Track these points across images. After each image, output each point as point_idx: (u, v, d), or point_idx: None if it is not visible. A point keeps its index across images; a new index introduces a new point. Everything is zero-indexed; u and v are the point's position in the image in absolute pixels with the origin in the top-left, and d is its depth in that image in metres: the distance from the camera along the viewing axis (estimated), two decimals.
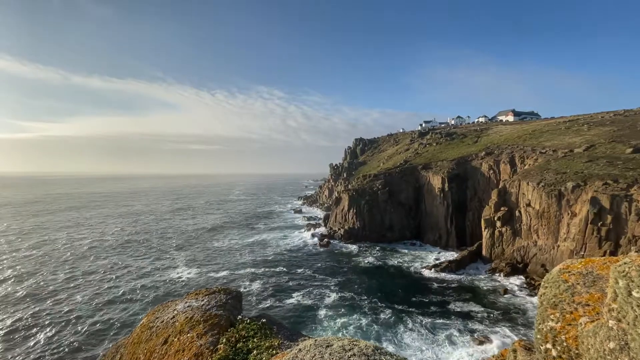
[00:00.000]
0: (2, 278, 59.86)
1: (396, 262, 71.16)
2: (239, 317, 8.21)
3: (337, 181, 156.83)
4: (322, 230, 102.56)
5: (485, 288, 54.24)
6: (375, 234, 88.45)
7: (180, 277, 61.28)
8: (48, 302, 50.05)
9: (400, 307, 47.66)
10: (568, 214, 54.41)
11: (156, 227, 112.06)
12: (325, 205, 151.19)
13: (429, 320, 43.50)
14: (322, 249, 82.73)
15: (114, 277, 61.44)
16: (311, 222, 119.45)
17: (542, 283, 5.35)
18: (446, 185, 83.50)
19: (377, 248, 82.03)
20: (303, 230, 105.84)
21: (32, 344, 38.68)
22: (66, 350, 37.46)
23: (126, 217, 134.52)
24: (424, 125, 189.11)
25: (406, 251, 79.14)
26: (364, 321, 43.69)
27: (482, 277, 59.75)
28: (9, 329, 41.90)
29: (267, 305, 48.97)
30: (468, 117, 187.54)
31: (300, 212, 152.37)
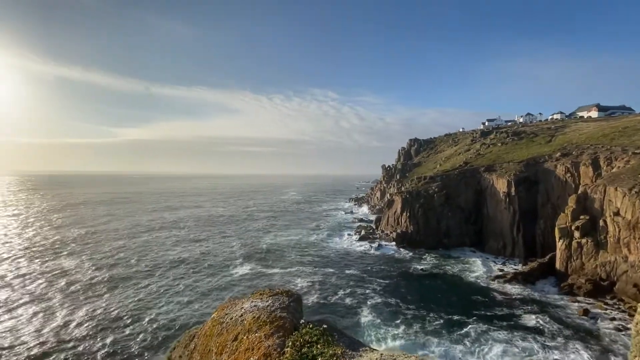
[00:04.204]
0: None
1: (452, 270, 66.98)
2: (302, 321, 8.53)
3: (389, 183, 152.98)
4: (373, 233, 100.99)
5: (558, 306, 48.23)
6: (429, 239, 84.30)
7: (237, 273, 64.80)
8: (116, 293, 57.24)
9: (454, 319, 44.53)
10: None
11: (214, 224, 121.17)
12: (377, 207, 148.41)
13: (487, 336, 39.87)
14: (373, 252, 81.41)
15: (179, 271, 67.41)
16: (362, 224, 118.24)
17: (639, 308, 4.65)
18: (512, 189, 76.26)
19: (432, 254, 78.10)
20: (353, 232, 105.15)
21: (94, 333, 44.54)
22: (133, 342, 42.31)
23: (190, 217, 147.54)
24: (487, 123, 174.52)
25: (464, 259, 74.03)
26: (411, 330, 41.81)
27: (555, 293, 53.24)
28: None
29: (316, 308, 48.89)
30: (540, 114, 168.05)
31: (350, 213, 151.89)
